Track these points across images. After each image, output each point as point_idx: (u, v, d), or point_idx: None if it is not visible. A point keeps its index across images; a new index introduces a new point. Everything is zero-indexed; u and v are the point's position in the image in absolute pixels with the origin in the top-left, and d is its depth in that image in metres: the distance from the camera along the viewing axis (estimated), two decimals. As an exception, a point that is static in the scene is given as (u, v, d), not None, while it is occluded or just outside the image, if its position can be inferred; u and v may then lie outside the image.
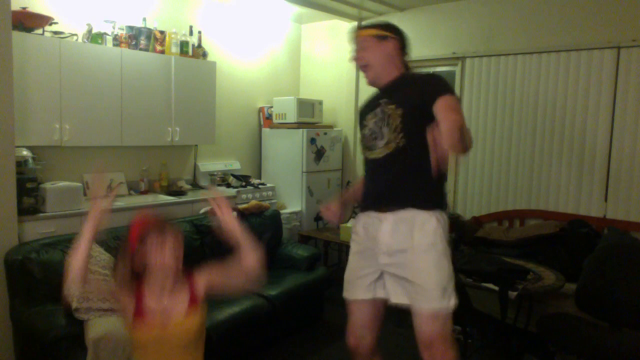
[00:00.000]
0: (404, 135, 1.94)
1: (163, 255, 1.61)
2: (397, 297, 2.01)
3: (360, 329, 2.12)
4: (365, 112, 2.12)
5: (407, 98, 1.96)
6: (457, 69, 4.55)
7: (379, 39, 2.04)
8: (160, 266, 1.62)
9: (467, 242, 4.00)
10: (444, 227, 1.97)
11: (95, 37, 3.65)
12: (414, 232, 1.93)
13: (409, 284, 1.94)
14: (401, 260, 1.95)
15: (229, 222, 1.68)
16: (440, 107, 1.81)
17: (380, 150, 2.00)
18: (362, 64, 2.07)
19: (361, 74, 2.23)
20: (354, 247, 2.16)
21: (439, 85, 1.91)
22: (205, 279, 1.71)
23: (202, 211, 3.90)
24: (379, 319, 2.14)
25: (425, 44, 4.72)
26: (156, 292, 1.64)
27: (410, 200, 1.95)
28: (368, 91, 2.17)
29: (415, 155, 1.92)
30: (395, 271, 1.98)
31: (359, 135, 2.15)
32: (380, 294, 2.07)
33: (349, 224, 4.02)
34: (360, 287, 2.09)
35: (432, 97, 1.85)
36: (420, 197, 1.95)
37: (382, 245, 1.99)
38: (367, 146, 2.07)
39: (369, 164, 2.09)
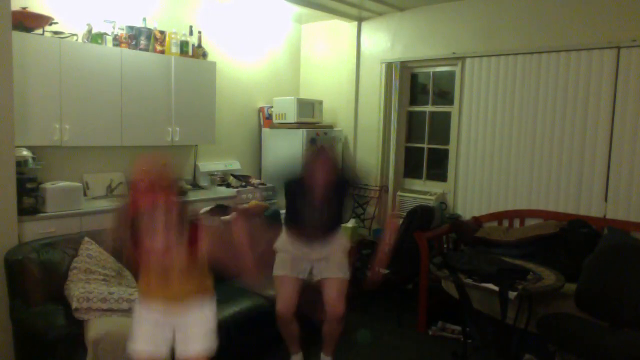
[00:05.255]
0: None
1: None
2: None
3: None
4: None
5: None
6: (457, 69, 4.55)
7: None
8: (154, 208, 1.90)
9: (467, 242, 4.00)
10: None
11: (95, 37, 3.65)
12: None
13: None
14: None
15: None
16: None
17: None
18: None
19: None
20: None
21: None
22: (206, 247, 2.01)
23: (202, 211, 3.90)
24: None
25: (425, 44, 4.73)
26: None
27: None
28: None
29: None
30: None
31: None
32: None
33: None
34: None
35: None
36: None
37: None
38: None
39: None
